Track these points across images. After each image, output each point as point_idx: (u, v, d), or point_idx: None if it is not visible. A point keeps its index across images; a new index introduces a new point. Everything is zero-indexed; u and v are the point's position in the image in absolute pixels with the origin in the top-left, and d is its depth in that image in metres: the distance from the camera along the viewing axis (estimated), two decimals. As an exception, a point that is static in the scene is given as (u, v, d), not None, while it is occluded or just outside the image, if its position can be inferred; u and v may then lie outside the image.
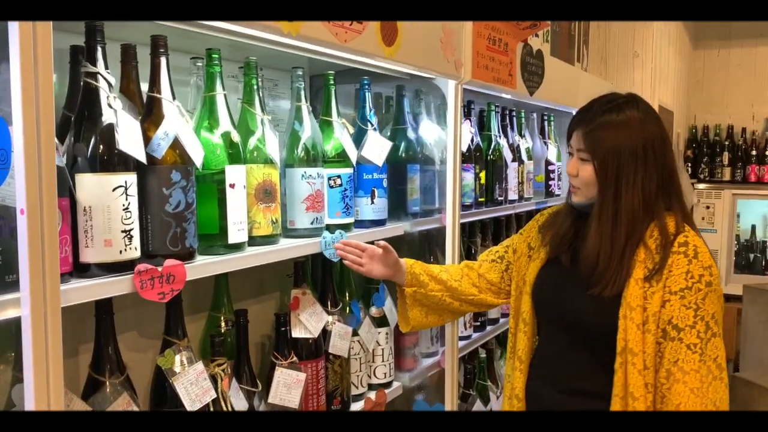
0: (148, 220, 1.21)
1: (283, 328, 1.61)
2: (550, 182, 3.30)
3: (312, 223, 1.63)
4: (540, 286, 1.63)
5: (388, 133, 2.09)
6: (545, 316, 1.63)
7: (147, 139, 1.20)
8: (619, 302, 1.44)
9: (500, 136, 2.74)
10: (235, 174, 1.38)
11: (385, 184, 1.88)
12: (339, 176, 1.72)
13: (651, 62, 3.37)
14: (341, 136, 1.73)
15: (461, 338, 2.37)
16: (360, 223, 1.84)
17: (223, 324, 1.61)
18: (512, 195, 2.80)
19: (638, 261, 1.45)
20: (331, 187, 1.71)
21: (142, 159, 1.16)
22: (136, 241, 1.16)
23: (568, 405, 1.52)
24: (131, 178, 1.15)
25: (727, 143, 5.38)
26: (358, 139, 1.83)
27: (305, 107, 1.65)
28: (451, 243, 2.07)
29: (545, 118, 3.33)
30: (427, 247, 2.19)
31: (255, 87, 1.52)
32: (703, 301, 1.40)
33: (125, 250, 1.13)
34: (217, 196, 1.37)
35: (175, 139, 1.23)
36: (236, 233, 1.38)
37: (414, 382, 2.12)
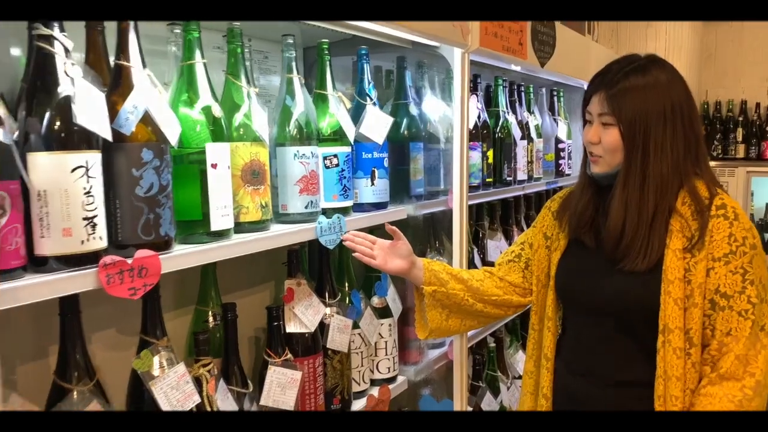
0: (116, 205, 1.06)
1: (275, 323, 1.47)
2: (561, 161, 3.14)
3: (306, 207, 1.48)
4: (564, 274, 1.50)
5: (389, 109, 1.94)
6: (573, 305, 1.51)
7: (114, 114, 1.05)
8: (658, 277, 1.33)
9: (508, 113, 2.58)
10: (217, 153, 1.23)
11: (386, 163, 1.73)
12: (335, 155, 1.57)
13: (665, 33, 3.20)
14: (337, 111, 1.58)
15: (469, 327, 2.22)
16: (359, 207, 1.69)
17: (210, 319, 1.47)
18: (521, 175, 2.65)
19: (674, 231, 1.35)
20: (327, 167, 1.56)
21: (107, 136, 1.02)
22: (101, 229, 1.01)
23: (614, 399, 1.41)
24: (93, 158, 1.00)
25: (740, 119, 5.20)
26: (356, 115, 1.68)
27: (297, 79, 1.49)
28: (459, 227, 1.92)
29: (554, 93, 3.16)
30: (432, 231, 2.04)
31: (240, 55, 1.37)
32: (750, 264, 1.31)
33: (88, 240, 0.99)
34: (198, 178, 1.22)
35: (146, 114, 1.08)
36: (220, 219, 1.23)
37: (420, 376, 1.98)
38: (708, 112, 5.34)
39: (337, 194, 1.57)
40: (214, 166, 1.22)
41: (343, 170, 1.58)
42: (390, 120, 1.70)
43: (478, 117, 2.28)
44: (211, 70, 1.33)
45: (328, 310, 1.59)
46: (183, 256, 1.14)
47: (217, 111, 1.25)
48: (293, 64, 1.50)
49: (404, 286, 1.92)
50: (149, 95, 1.09)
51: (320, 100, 1.59)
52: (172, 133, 1.12)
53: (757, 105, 5.17)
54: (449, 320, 1.61)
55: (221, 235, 1.24)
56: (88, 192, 0.98)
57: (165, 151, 1.11)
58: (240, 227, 1.34)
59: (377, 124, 1.68)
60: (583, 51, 2.81)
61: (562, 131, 3.14)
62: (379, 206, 1.72)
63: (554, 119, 3.12)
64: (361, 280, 1.83)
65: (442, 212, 2.01)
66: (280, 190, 1.48)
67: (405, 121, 1.90)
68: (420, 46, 1.84)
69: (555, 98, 3.16)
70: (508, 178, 2.53)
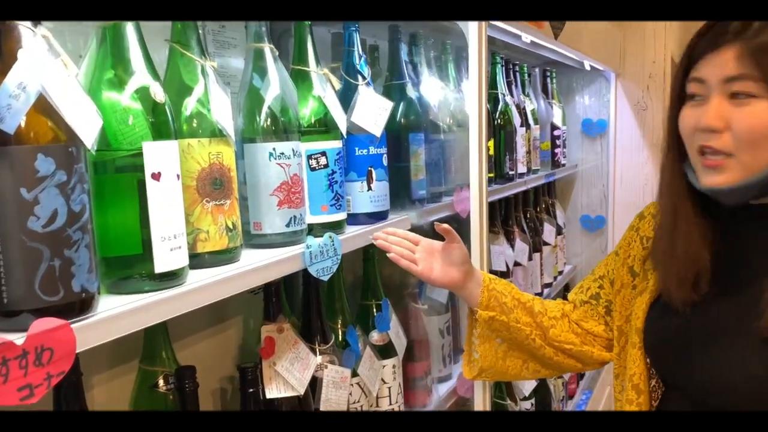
0: (-4, 248, 0.65)
1: (251, 389, 1.07)
2: (556, 150, 2.81)
3: (288, 225, 1.08)
4: (654, 333, 1.05)
5: (379, 92, 1.55)
6: (670, 382, 1.06)
7: (-12, 100, 0.64)
8: None
9: (507, 95, 2.22)
10: (160, 155, 0.82)
11: (384, 161, 1.34)
12: (323, 153, 1.17)
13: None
14: (324, 93, 1.19)
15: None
16: (354, 218, 1.31)
17: (161, 382, 1.07)
18: (521, 167, 2.30)
19: None
20: (313, 169, 1.17)
21: (-29, 135, 0.61)
22: (-34, 293, 0.61)
23: None
24: (-55, 174, 0.59)
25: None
26: (344, 99, 1.29)
27: (269, 50, 1.09)
28: (478, 234, 1.54)
29: (548, 74, 2.82)
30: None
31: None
32: None
33: (-63, 315, 0.58)
34: (132, 195, 0.81)
35: (41, 98, 0.67)
36: (167, 255, 0.83)
37: (427, 421, 1.61)
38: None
39: (327, 204, 1.18)
40: (156, 176, 0.81)
41: (333, 172, 1.19)
42: (389, 104, 1.32)
43: (479, 101, 1.91)
44: (151, 40, 0.92)
45: (319, 359, 1.20)
46: (112, 320, 0.73)
47: (160, 94, 0.84)
48: (263, 29, 1.09)
49: (406, 315, 1.55)
50: (47, 69, 0.68)
51: (300, 80, 1.19)
52: (89, 130, 0.72)
53: None
54: (507, 359, 1.23)
55: (171, 277, 0.84)
56: (-63, 233, 0.57)
57: (76, 158, 0.70)
58: (198, 260, 0.94)
59: (373, 111, 1.29)
60: (590, 23, 2.46)
61: (557, 116, 2.80)
62: (378, 217, 1.33)
63: (549, 103, 2.79)
64: (356, 311, 1.44)
65: (449, 218, 1.63)
66: (252, 202, 1.08)
67: (402, 106, 1.51)
68: (420, 10, 1.45)
69: (548, 79, 2.82)
70: (510, 172, 2.18)
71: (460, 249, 1.20)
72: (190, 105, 0.94)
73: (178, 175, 0.85)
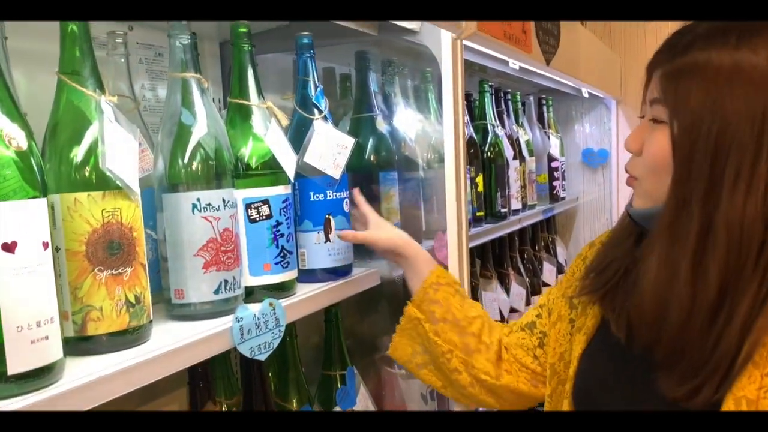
0: None
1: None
2: (554, 183, 2.62)
3: (217, 292, 0.89)
4: (583, 379, 0.94)
5: (347, 127, 1.37)
6: None
7: None
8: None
9: (498, 126, 2.04)
10: (13, 220, 0.63)
11: (346, 207, 1.15)
12: (265, 201, 0.98)
13: (666, 28, 2.73)
14: (267, 131, 1.00)
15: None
16: (309, 275, 1.11)
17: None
18: (515, 203, 2.11)
19: (756, 359, 0.74)
20: (253, 220, 0.98)
21: None
22: None
23: None
24: None
25: None
26: (298, 136, 1.10)
27: (194, 82, 0.91)
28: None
29: (543, 102, 2.64)
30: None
31: (83, 42, 0.77)
32: None
33: None
34: (-16, 270, 0.62)
35: None
36: (27, 349, 0.63)
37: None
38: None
39: (270, 262, 0.99)
40: (8, 246, 0.62)
41: (278, 223, 0.99)
42: (351, 141, 1.13)
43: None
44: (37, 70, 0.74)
45: (263, 450, 1.00)
46: None
47: (20, 140, 0.65)
48: (188, 57, 0.91)
49: (379, 383, 1.34)
50: None
51: (239, 115, 1.01)
52: None
53: None
54: (421, 369, 1.18)
55: (35, 377, 0.64)
56: None
57: None
58: (92, 344, 0.74)
59: (331, 149, 1.10)
60: (589, 47, 2.28)
61: (555, 147, 2.62)
62: (339, 272, 1.13)
63: (545, 133, 2.60)
64: (316, 384, 1.23)
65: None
66: (172, 265, 0.89)
67: (371, 141, 1.33)
68: (389, 33, 1.27)
69: (544, 107, 2.65)
70: (503, 210, 1.98)
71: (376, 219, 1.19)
72: (80, 151, 0.75)
73: (46, 243, 0.66)
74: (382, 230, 1.18)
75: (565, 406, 0.96)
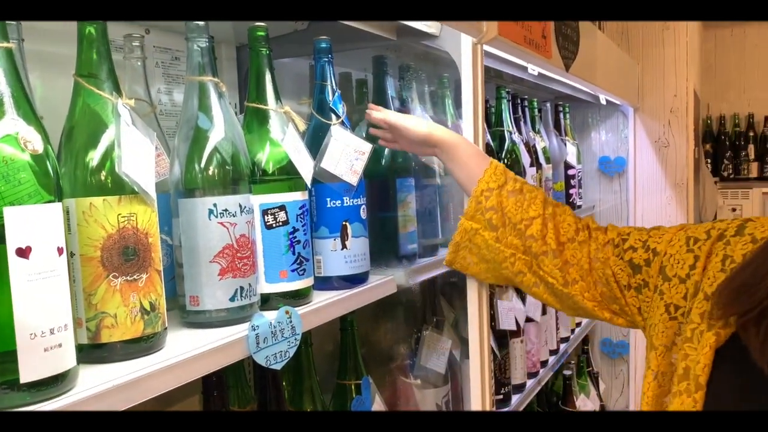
0: None
1: None
2: (571, 190, 2.58)
3: (233, 299, 0.87)
4: (714, 396, 0.82)
5: (363, 132, 1.35)
6: None
7: None
8: None
9: (514, 133, 2.02)
10: (28, 225, 0.62)
11: (363, 213, 1.13)
12: (282, 207, 0.97)
13: (685, 36, 2.70)
14: (285, 135, 0.98)
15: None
16: (325, 283, 1.09)
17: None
18: (532, 211, 2.07)
19: None
20: (270, 227, 0.96)
21: None
22: None
23: None
24: None
25: (750, 135, 4.70)
26: (315, 141, 1.09)
27: (212, 85, 0.90)
28: (476, 291, 1.31)
29: (560, 108, 2.61)
30: (433, 306, 1.44)
31: (100, 45, 0.76)
32: None
33: None
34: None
35: None
36: (39, 357, 0.62)
37: None
38: (712, 128, 4.85)
39: (287, 269, 0.97)
40: (23, 251, 0.61)
41: (295, 230, 0.98)
42: (368, 147, 1.11)
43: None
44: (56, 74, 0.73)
45: (277, 460, 0.98)
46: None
47: (36, 143, 0.64)
48: (206, 60, 0.90)
49: (395, 392, 1.32)
50: None
51: (256, 120, 1.00)
52: None
53: (766, 118, 4.69)
54: (485, 273, 1.20)
55: (48, 386, 0.63)
56: None
57: None
58: (106, 352, 0.73)
59: (349, 155, 1.09)
60: (606, 54, 2.26)
61: (571, 154, 2.59)
62: (355, 280, 1.11)
63: (562, 140, 2.57)
64: (331, 391, 1.21)
65: (445, 274, 1.41)
66: (188, 271, 0.87)
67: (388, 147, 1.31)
68: (407, 38, 1.25)
69: (561, 114, 2.62)
70: (519, 218, 1.96)
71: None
72: (96, 155, 0.74)
73: (60, 248, 0.64)
74: (413, 119, 1.18)
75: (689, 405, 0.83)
